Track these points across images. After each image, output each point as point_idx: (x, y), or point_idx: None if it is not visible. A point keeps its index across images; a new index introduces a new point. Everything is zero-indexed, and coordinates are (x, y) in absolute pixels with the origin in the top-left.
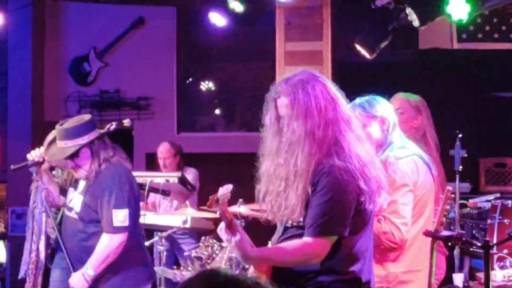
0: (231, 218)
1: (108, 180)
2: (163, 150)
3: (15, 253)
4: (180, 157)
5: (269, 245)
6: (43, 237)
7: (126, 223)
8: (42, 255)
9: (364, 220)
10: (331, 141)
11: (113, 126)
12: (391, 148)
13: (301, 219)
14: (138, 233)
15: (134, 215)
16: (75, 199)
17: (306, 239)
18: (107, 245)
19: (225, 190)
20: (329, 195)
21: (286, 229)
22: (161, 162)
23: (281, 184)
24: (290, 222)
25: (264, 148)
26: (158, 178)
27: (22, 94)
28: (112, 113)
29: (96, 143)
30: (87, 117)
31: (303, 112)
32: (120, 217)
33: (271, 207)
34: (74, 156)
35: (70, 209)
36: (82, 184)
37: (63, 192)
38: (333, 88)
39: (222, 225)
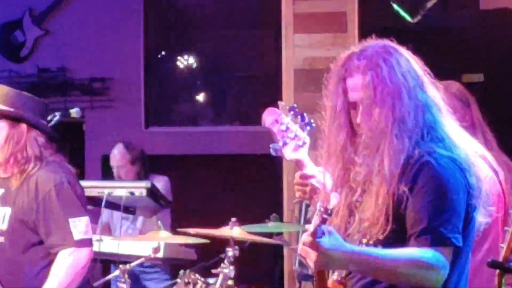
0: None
1: (50, 180)
2: (115, 156)
3: None
4: (142, 164)
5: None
6: None
7: (90, 234)
8: None
9: (469, 236)
10: (424, 127)
11: (55, 117)
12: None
13: (382, 235)
14: None
15: None
16: None
17: (422, 249)
18: (71, 265)
19: (337, 198)
20: (437, 191)
21: None
22: (114, 171)
23: (357, 191)
24: (365, 240)
25: (324, 148)
26: (118, 189)
27: None
28: (55, 99)
29: (24, 129)
30: (41, 100)
31: (389, 94)
32: (81, 227)
33: (340, 224)
34: None
35: None
36: (0, 192)
37: None
38: (417, 63)
39: (307, 238)
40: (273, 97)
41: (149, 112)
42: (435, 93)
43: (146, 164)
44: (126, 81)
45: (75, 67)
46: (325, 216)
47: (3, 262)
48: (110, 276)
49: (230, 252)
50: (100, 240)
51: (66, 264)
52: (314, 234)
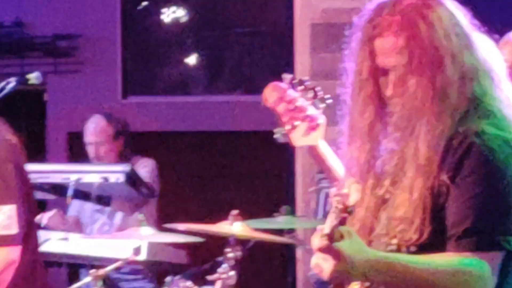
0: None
1: None
2: (93, 130)
3: None
4: (125, 140)
5: None
6: None
7: (14, 229)
8: None
9: None
10: (470, 102)
11: (10, 83)
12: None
13: (418, 238)
14: (31, 254)
15: (26, 220)
16: None
17: (463, 255)
18: None
19: (358, 191)
20: (486, 183)
21: None
22: (91, 149)
23: (384, 183)
24: (395, 242)
25: (346, 126)
26: (90, 174)
27: None
28: (9, 61)
29: None
30: None
31: (429, 61)
32: (2, 218)
33: (363, 224)
34: None
35: None
36: None
37: None
38: (464, 18)
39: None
40: (283, 59)
41: (128, 78)
42: (488, 54)
43: (129, 142)
44: (99, 39)
45: (34, 21)
46: (343, 215)
47: None
48: (79, 284)
49: (231, 253)
50: (65, 239)
51: None
52: (331, 237)
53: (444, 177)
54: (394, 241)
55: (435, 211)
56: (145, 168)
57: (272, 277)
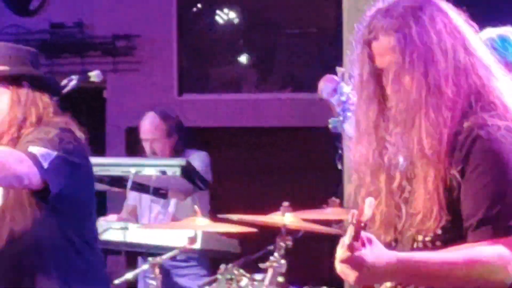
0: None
1: (37, 130)
2: (148, 128)
3: None
4: (179, 137)
5: None
6: None
7: (45, 164)
8: None
9: None
10: (469, 95)
11: (72, 81)
12: None
13: (439, 229)
14: (91, 243)
15: (85, 201)
16: None
17: (481, 244)
18: (8, 152)
19: (371, 206)
20: (494, 172)
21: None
22: (146, 146)
23: (395, 178)
24: (421, 237)
25: (353, 125)
26: (147, 168)
27: None
28: (71, 60)
29: (29, 88)
30: (31, 49)
31: (420, 58)
32: (41, 150)
33: (381, 218)
34: None
35: None
36: None
37: None
38: (459, 18)
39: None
40: (331, 59)
41: (183, 76)
42: (484, 51)
43: (183, 137)
44: (155, 39)
45: (95, 22)
46: (358, 229)
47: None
48: (137, 271)
49: (281, 243)
50: (125, 228)
51: (5, 149)
52: (351, 248)
53: (455, 171)
54: (420, 237)
55: (451, 202)
56: (198, 161)
57: (320, 267)
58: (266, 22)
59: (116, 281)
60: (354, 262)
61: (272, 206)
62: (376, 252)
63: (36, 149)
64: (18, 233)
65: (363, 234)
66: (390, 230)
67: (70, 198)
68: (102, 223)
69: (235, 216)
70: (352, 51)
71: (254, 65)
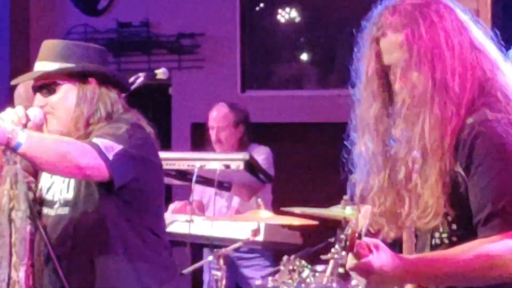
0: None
1: (107, 126)
2: (216, 117)
3: None
4: (245, 128)
5: None
6: (26, 261)
7: (110, 155)
8: None
9: None
10: (474, 90)
11: (139, 78)
12: None
13: (455, 224)
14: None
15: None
16: (57, 185)
17: (490, 239)
18: (70, 141)
19: (367, 215)
20: (498, 166)
21: (434, 248)
22: (213, 134)
23: (400, 171)
24: (438, 234)
25: (357, 119)
26: (212, 162)
27: None
28: (138, 58)
29: (96, 85)
30: (98, 46)
31: (427, 54)
32: (107, 142)
33: (386, 212)
34: (48, 87)
35: (51, 204)
36: None
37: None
38: (465, 15)
39: (352, 262)
40: None
41: (246, 73)
42: (491, 46)
43: (249, 130)
44: (219, 37)
45: (160, 21)
46: (353, 240)
47: (68, 237)
48: (202, 262)
49: (342, 235)
50: (190, 221)
51: (66, 139)
52: (358, 255)
53: (460, 168)
54: (437, 234)
55: (457, 199)
56: (261, 155)
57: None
58: (327, 20)
59: (183, 272)
60: (361, 269)
61: (333, 200)
62: (383, 258)
63: (99, 141)
64: (90, 224)
65: (370, 240)
66: (395, 224)
67: (139, 191)
68: (168, 215)
69: (297, 209)
70: (357, 48)
71: (315, 62)
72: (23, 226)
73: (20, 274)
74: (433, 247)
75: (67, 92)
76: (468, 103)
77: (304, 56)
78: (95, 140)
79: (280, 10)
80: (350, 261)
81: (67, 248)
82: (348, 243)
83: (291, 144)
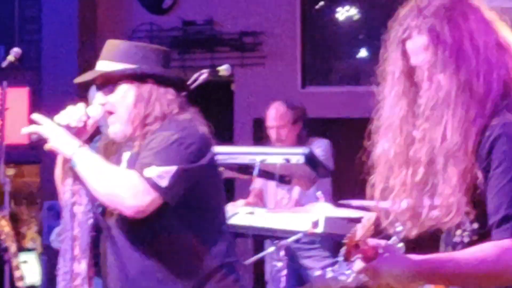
0: (373, 256)
1: (163, 131)
2: (274, 115)
3: (53, 269)
4: (303, 125)
5: None
6: (88, 253)
7: (165, 182)
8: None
9: None
10: (498, 93)
11: (203, 75)
12: None
13: (476, 223)
14: (221, 236)
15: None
16: None
17: (503, 242)
18: (123, 178)
19: (367, 224)
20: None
21: (454, 246)
22: (272, 133)
23: (418, 172)
24: (459, 232)
25: (380, 119)
26: (273, 156)
27: (64, 28)
28: (201, 55)
29: (153, 85)
30: (161, 48)
31: (453, 56)
32: (160, 170)
33: (409, 211)
34: (108, 87)
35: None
36: (126, 156)
37: None
38: (491, 14)
39: (359, 265)
40: None
41: (306, 70)
42: None
43: (307, 126)
44: (280, 35)
45: (223, 19)
46: (350, 248)
47: (128, 236)
48: (264, 253)
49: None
50: (251, 213)
51: (120, 174)
52: (366, 259)
53: (479, 169)
54: (458, 231)
55: (477, 200)
56: (320, 148)
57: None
58: (384, 18)
59: (245, 262)
60: (369, 272)
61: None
62: (392, 259)
63: (153, 172)
64: (148, 227)
65: (380, 242)
66: (417, 223)
67: (196, 196)
68: (230, 208)
69: (355, 202)
70: (383, 48)
71: (373, 59)
72: (85, 220)
73: (82, 267)
74: (454, 245)
75: (126, 92)
76: (493, 104)
77: (362, 53)
78: (148, 172)
79: (339, 8)
80: (358, 264)
81: (127, 248)
82: (345, 251)
83: (349, 138)
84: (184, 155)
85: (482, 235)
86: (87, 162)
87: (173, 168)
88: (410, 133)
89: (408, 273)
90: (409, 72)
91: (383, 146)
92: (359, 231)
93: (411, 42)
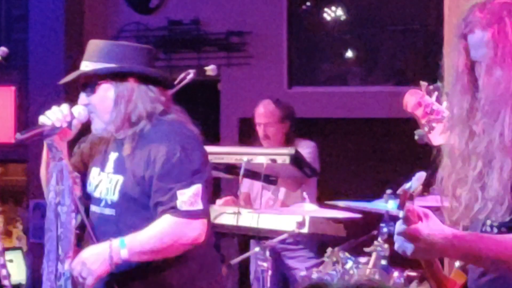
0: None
1: (162, 146)
2: (263, 113)
3: (39, 267)
4: (291, 124)
5: None
6: (71, 254)
7: (199, 205)
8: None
9: None
10: None
11: (189, 75)
12: None
13: (509, 216)
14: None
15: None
16: (104, 184)
17: None
18: (168, 232)
19: (420, 180)
20: None
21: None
22: (260, 130)
23: (477, 165)
24: (489, 222)
25: (449, 114)
26: (259, 156)
27: (51, 27)
28: (188, 55)
29: (134, 83)
30: (143, 46)
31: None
32: (186, 197)
33: (460, 201)
34: (90, 87)
35: (98, 201)
36: (113, 157)
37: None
38: None
39: (401, 227)
40: (432, 55)
41: (292, 70)
42: None
43: (295, 125)
44: (266, 35)
45: (210, 19)
46: (407, 202)
47: (113, 237)
48: (249, 253)
49: (385, 228)
50: (238, 213)
51: (163, 228)
52: (407, 221)
53: None
54: (489, 222)
55: None
56: (307, 149)
57: None
58: (371, 19)
59: (230, 262)
60: (409, 234)
61: (376, 193)
62: (432, 227)
63: (184, 203)
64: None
65: (421, 209)
66: (469, 215)
67: None
68: (216, 208)
69: (341, 203)
70: (451, 45)
71: (359, 60)
72: (68, 221)
73: (65, 267)
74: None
75: (106, 92)
76: None
77: (349, 54)
78: (181, 204)
79: (326, 9)
80: (399, 226)
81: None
82: (399, 202)
83: (335, 139)
84: (197, 166)
85: (508, 225)
86: (134, 248)
87: (198, 187)
88: (472, 127)
89: (447, 243)
90: (471, 67)
91: (453, 139)
92: (414, 183)
93: (472, 36)
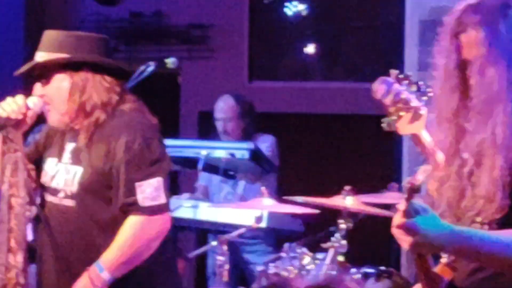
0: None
1: (121, 136)
2: (223, 107)
3: None
4: (251, 120)
5: None
6: (24, 246)
7: (162, 199)
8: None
9: None
10: None
11: (150, 67)
12: None
13: (499, 214)
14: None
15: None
16: (61, 175)
17: None
18: (136, 234)
19: (426, 173)
20: None
21: None
22: (219, 125)
23: (467, 163)
24: (479, 219)
25: (435, 112)
26: (218, 150)
27: (10, 18)
28: (149, 47)
29: (88, 73)
30: (98, 36)
31: (505, 52)
32: (148, 191)
33: (443, 197)
34: (44, 78)
35: (55, 192)
36: (70, 148)
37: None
38: None
39: (400, 220)
40: (393, 51)
41: (253, 64)
42: None
43: (254, 121)
44: (228, 29)
45: (171, 12)
46: (413, 194)
47: (72, 229)
48: (206, 247)
49: (343, 224)
50: (195, 207)
51: (130, 232)
52: (406, 214)
53: None
54: (479, 219)
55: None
56: (266, 143)
57: (378, 247)
58: (333, 15)
59: (188, 256)
60: (407, 228)
61: (336, 189)
62: (430, 222)
63: (146, 198)
64: (94, 218)
65: (419, 203)
66: (453, 212)
67: None
68: (174, 201)
69: (299, 198)
70: (437, 42)
71: (320, 55)
72: (22, 213)
73: (18, 259)
74: None
75: (60, 82)
76: None
77: (310, 49)
78: (143, 201)
79: (288, 3)
80: (398, 219)
81: (69, 239)
82: (407, 195)
83: (295, 134)
84: (157, 155)
85: (502, 224)
86: (112, 266)
87: (159, 180)
88: (462, 125)
89: (444, 239)
90: (462, 66)
91: (439, 137)
92: (420, 175)
93: (465, 35)
